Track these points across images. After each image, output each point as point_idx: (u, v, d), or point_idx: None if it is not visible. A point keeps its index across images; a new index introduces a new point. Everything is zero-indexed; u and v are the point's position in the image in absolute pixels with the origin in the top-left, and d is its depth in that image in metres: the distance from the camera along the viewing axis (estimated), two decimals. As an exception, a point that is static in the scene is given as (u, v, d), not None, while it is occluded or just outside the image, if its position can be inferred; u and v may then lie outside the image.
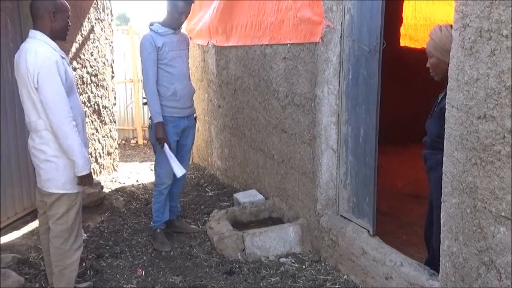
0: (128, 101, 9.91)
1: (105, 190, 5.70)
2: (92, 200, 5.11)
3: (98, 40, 6.38)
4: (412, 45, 8.21)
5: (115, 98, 7.01)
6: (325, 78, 3.73)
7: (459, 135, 2.34)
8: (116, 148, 7.05)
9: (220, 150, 6.28)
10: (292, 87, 4.20)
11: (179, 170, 4.18)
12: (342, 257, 3.66)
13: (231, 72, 5.58)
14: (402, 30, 7.70)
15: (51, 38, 3.06)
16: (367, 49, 3.33)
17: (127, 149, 9.47)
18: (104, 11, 6.55)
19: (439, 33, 2.80)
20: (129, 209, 5.38)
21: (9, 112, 4.52)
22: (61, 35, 3.16)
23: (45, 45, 3.00)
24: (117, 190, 5.96)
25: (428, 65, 2.90)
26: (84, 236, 4.47)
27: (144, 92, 4.28)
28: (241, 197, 4.92)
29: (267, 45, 4.60)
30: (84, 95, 5.98)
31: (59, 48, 3.10)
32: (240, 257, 4.00)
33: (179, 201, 4.84)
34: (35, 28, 3.06)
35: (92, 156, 6.14)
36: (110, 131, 6.77)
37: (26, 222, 4.75)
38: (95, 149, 6.25)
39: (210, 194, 5.86)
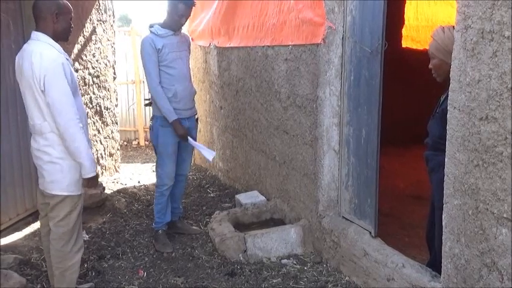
0: (130, 102, 9.92)
1: (107, 191, 5.70)
2: (93, 201, 5.11)
3: (100, 41, 6.38)
4: (414, 47, 8.21)
5: (117, 99, 7.01)
6: (327, 79, 3.73)
7: (461, 136, 2.33)
8: (118, 149, 7.06)
9: (222, 152, 6.28)
10: (294, 89, 4.20)
11: (210, 154, 4.41)
12: (344, 259, 3.66)
13: (232, 74, 5.58)
14: (404, 31, 7.69)
15: (53, 40, 3.05)
16: (369, 50, 3.33)
17: (129, 150, 9.48)
18: (105, 12, 6.56)
19: (442, 35, 2.80)
20: (131, 210, 5.38)
21: (11, 113, 4.52)
22: (63, 37, 3.15)
23: (50, 47, 3.00)
24: (119, 191, 5.97)
25: (430, 66, 2.90)
26: (86, 237, 4.47)
27: (150, 95, 4.28)
28: (243, 198, 4.92)
29: (268, 46, 4.60)
30: (86, 96, 5.98)
31: (63, 50, 3.10)
32: (241, 258, 4.00)
33: (181, 202, 4.84)
34: (37, 29, 3.06)
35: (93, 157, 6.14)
36: (112, 132, 6.77)
37: (28, 223, 4.75)
38: (96, 150, 6.25)
39: (211, 195, 5.86)
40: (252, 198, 4.86)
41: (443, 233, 2.56)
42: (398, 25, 7.29)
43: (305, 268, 3.85)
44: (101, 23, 6.41)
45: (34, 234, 4.55)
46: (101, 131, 6.41)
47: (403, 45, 7.73)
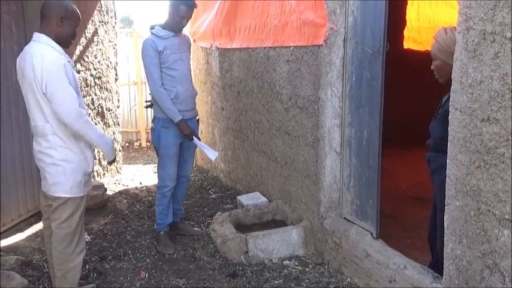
0: (132, 103, 9.94)
1: (109, 192, 5.70)
2: (95, 202, 5.11)
3: (102, 43, 6.39)
4: (416, 48, 8.20)
5: (118, 101, 7.03)
6: (328, 80, 3.73)
7: (463, 137, 2.33)
8: (120, 150, 7.07)
9: (224, 153, 6.28)
10: (296, 90, 4.20)
11: (213, 154, 4.41)
12: (345, 260, 3.65)
13: (234, 75, 5.58)
14: (406, 32, 7.68)
15: (55, 42, 3.04)
16: (370, 51, 3.33)
17: (130, 151, 9.49)
18: (107, 13, 6.57)
19: (444, 36, 2.80)
20: (133, 211, 5.39)
21: (13, 114, 4.53)
22: (65, 42, 3.13)
23: (51, 49, 2.99)
24: (120, 192, 5.98)
25: (432, 67, 2.90)
26: (88, 238, 4.48)
27: (152, 97, 4.28)
28: (245, 199, 4.92)
29: (270, 47, 4.60)
30: (87, 97, 5.99)
31: (64, 52, 3.09)
32: (243, 259, 3.99)
33: (183, 203, 4.85)
34: (40, 29, 3.04)
35: (95, 159, 6.15)
36: (114, 133, 6.78)
37: (30, 224, 4.76)
38: (98, 151, 6.26)
39: (213, 196, 5.86)
40: (254, 200, 4.86)
41: (445, 234, 2.55)
42: (400, 26, 7.28)
43: (307, 269, 3.85)
44: (102, 24, 6.42)
45: (36, 235, 4.56)
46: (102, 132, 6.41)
47: (405, 47, 7.72)
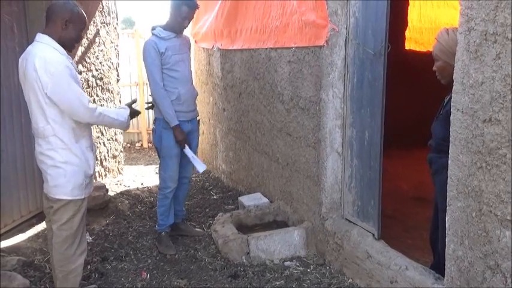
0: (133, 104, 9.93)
1: (110, 193, 5.71)
2: (97, 203, 5.12)
3: (104, 43, 6.40)
4: (417, 49, 8.20)
5: (120, 102, 7.02)
6: (330, 81, 3.73)
7: (464, 138, 2.33)
8: (121, 151, 7.07)
9: (225, 154, 6.28)
10: (297, 91, 4.20)
11: (201, 167, 4.35)
12: (347, 261, 3.65)
13: (236, 76, 5.59)
14: (407, 33, 7.68)
15: (58, 44, 3.03)
16: (372, 52, 3.33)
17: (132, 152, 9.49)
18: (109, 14, 6.58)
19: (446, 37, 2.80)
20: (134, 212, 5.39)
21: (15, 115, 4.54)
22: (68, 45, 3.11)
23: (53, 50, 2.97)
24: (122, 193, 5.98)
25: (434, 68, 2.90)
26: (89, 239, 4.48)
27: (153, 98, 4.28)
28: (246, 200, 4.92)
29: (272, 48, 4.61)
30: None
31: (66, 53, 3.07)
32: (244, 260, 4.00)
33: (184, 204, 4.85)
34: (44, 30, 3.03)
35: (97, 160, 6.16)
36: (115, 134, 6.79)
37: (32, 225, 4.76)
38: (100, 152, 6.27)
39: (214, 197, 5.86)
40: (255, 200, 4.86)
41: (446, 235, 2.55)
42: (401, 27, 7.29)
43: (308, 270, 3.85)
44: (104, 25, 6.43)
45: (37, 236, 4.56)
46: (104, 133, 6.42)
47: (407, 47, 7.72)
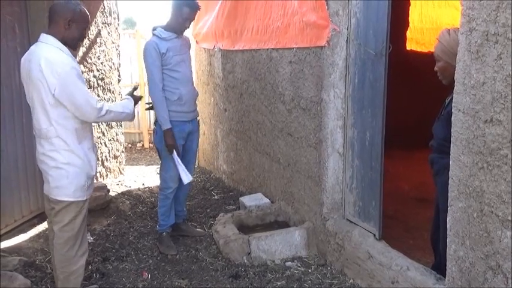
0: (134, 104, 9.93)
1: (112, 193, 5.71)
2: (98, 203, 5.12)
3: (105, 44, 6.40)
4: (419, 49, 8.20)
5: (121, 102, 7.02)
6: (331, 82, 3.73)
7: (466, 139, 2.33)
8: (122, 151, 7.07)
9: (226, 154, 6.28)
10: (298, 91, 4.20)
11: (186, 178, 4.22)
12: (348, 261, 3.65)
13: (237, 76, 5.59)
14: (408, 33, 7.69)
15: (62, 44, 3.02)
16: (373, 53, 3.33)
17: (133, 152, 9.50)
18: (110, 15, 6.58)
19: (448, 37, 2.80)
20: (135, 212, 5.39)
21: (16, 115, 4.54)
22: (71, 44, 3.11)
23: (58, 51, 2.96)
24: (123, 193, 5.98)
25: (436, 68, 2.90)
26: (90, 239, 4.48)
27: (150, 98, 4.28)
28: (247, 200, 4.92)
29: (273, 49, 4.61)
30: (90, 98, 5.99)
31: (71, 54, 3.07)
32: (245, 260, 4.00)
33: (185, 205, 4.84)
34: (48, 31, 3.02)
35: (98, 160, 6.15)
36: (116, 134, 6.79)
37: (33, 225, 4.76)
38: (101, 152, 6.27)
39: (216, 197, 5.87)
40: (256, 201, 4.86)
41: (447, 235, 2.55)
42: (402, 27, 7.29)
43: (309, 271, 3.85)
44: (105, 26, 6.43)
45: (39, 236, 4.57)
46: (105, 133, 6.42)
47: (408, 48, 7.73)
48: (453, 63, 2.53)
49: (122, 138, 7.02)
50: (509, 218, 2.10)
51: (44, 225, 4.71)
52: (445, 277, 2.65)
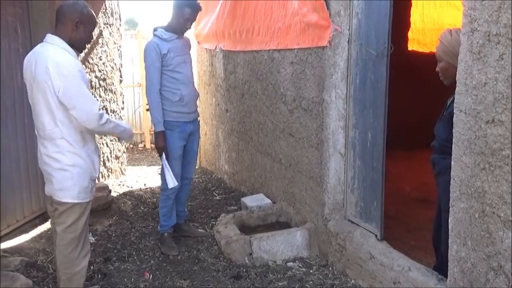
0: (136, 105, 9.96)
1: (113, 194, 5.72)
2: (99, 203, 5.12)
3: (107, 44, 6.41)
4: (420, 50, 8.18)
5: (123, 102, 7.04)
6: (332, 82, 3.73)
7: (467, 139, 2.33)
8: (124, 152, 7.08)
9: (228, 154, 6.28)
10: (300, 92, 4.20)
11: (172, 182, 4.18)
12: (350, 262, 3.65)
13: (238, 77, 5.59)
14: (410, 34, 7.68)
15: (69, 45, 3.01)
16: (374, 53, 3.33)
17: (135, 153, 9.51)
18: (112, 15, 6.59)
19: (449, 37, 2.80)
20: (137, 212, 5.39)
21: (18, 116, 4.55)
22: (78, 46, 3.10)
23: (65, 52, 2.95)
24: (124, 194, 5.99)
25: (437, 69, 2.90)
26: (92, 239, 4.49)
27: (147, 99, 4.28)
28: (249, 201, 4.92)
29: (274, 49, 4.61)
30: (92, 99, 6.00)
31: (76, 55, 3.06)
32: (247, 261, 4.00)
33: (186, 205, 4.85)
34: (55, 32, 3.01)
35: (100, 161, 6.16)
36: (118, 135, 6.79)
37: (35, 226, 4.76)
38: (103, 152, 6.28)
39: (217, 198, 5.87)
40: (258, 201, 4.86)
41: (449, 236, 2.55)
42: (404, 28, 7.28)
43: (311, 271, 3.85)
44: (107, 26, 6.44)
45: (40, 236, 4.57)
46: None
47: (409, 48, 7.71)
48: (455, 64, 2.53)
49: (123, 138, 7.03)
50: (511, 218, 2.10)
51: (45, 226, 4.71)
52: (446, 278, 2.65)
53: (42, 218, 4.79)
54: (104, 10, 6.37)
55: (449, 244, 2.56)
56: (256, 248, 4.00)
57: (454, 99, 2.47)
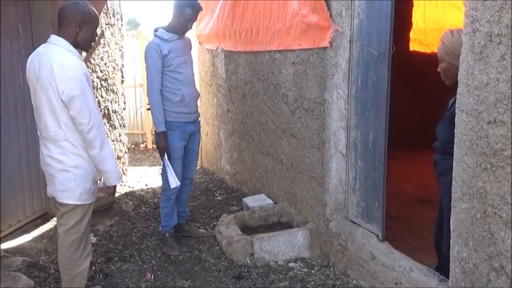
0: (138, 105, 9.96)
1: (115, 194, 5.71)
2: (101, 204, 5.12)
3: (108, 45, 6.41)
4: (422, 50, 8.18)
5: (125, 103, 7.03)
6: (334, 82, 3.73)
7: (469, 140, 2.33)
8: (126, 152, 7.08)
9: (229, 155, 6.28)
10: (301, 92, 4.20)
11: (174, 182, 4.19)
12: (351, 262, 3.65)
13: (240, 77, 5.59)
14: (412, 34, 7.68)
15: (73, 46, 3.00)
16: (376, 53, 3.32)
17: (136, 153, 9.51)
18: (114, 16, 6.59)
19: (451, 38, 2.80)
20: (138, 213, 5.40)
21: (20, 116, 4.56)
22: (83, 46, 3.10)
23: (70, 54, 2.94)
24: (126, 194, 5.99)
25: (439, 69, 2.90)
26: (94, 239, 4.49)
27: (147, 100, 4.29)
28: (250, 201, 4.92)
29: (276, 50, 4.60)
30: (94, 99, 6.00)
31: (81, 56, 3.05)
32: (248, 261, 4.00)
33: (187, 205, 4.85)
34: (59, 33, 3.00)
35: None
36: (120, 135, 6.79)
37: (36, 226, 4.77)
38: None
39: (219, 198, 5.87)
40: (259, 202, 4.86)
41: (451, 236, 2.55)
42: (405, 28, 7.28)
43: (312, 271, 3.85)
44: (109, 27, 6.44)
45: (42, 236, 4.57)
46: (108, 134, 6.43)
47: (411, 49, 7.71)
48: (456, 64, 2.53)
49: (125, 139, 7.03)
50: (513, 219, 2.10)
51: (47, 226, 4.72)
52: (448, 278, 2.65)
53: (43, 218, 4.79)
54: (106, 10, 6.37)
55: (450, 245, 2.56)
56: (257, 248, 4.00)
57: (455, 99, 2.47)
